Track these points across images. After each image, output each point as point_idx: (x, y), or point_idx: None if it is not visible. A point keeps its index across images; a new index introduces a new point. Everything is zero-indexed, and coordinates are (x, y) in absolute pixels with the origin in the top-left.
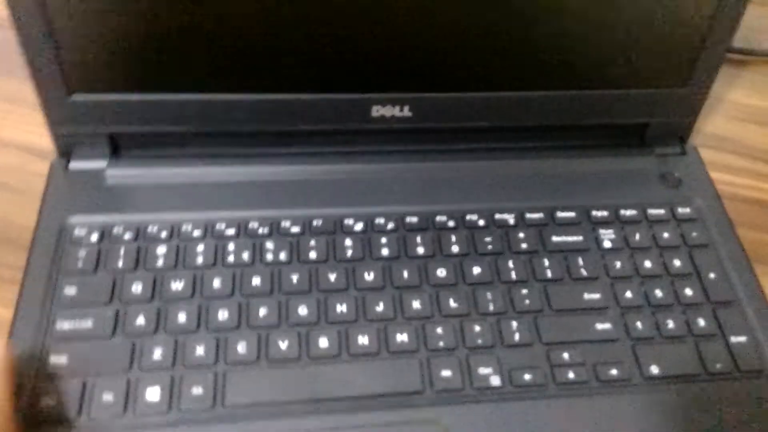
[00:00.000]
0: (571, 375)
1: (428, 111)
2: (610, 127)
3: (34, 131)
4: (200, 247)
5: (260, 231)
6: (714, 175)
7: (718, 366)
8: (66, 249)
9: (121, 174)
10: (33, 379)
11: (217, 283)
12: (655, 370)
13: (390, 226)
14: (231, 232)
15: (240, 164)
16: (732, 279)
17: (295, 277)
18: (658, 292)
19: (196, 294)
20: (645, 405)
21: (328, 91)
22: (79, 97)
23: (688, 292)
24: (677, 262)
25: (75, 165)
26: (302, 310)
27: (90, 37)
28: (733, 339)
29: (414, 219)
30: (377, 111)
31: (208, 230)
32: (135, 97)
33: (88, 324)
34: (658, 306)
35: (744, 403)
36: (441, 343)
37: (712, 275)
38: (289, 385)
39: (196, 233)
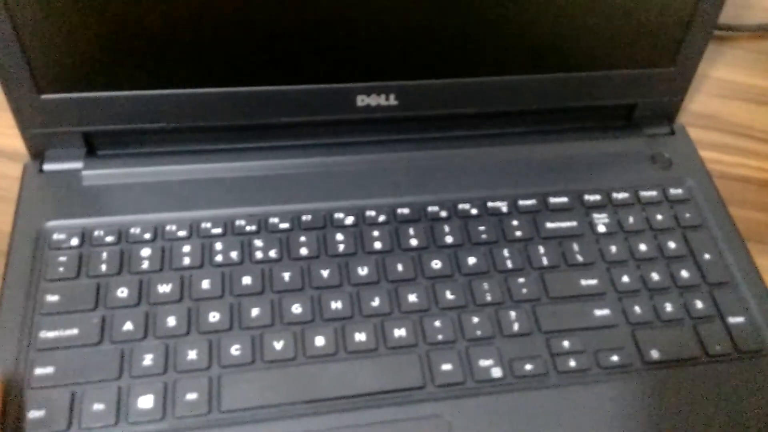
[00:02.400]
0: (572, 363)
1: (414, 98)
2: (598, 109)
3: (4, 132)
4: (186, 248)
5: (248, 228)
6: (701, 153)
7: (718, 348)
8: (45, 255)
9: (98, 174)
10: (19, 391)
11: (205, 284)
12: (655, 354)
13: (381, 218)
14: (217, 230)
15: (222, 160)
16: (727, 259)
17: (286, 275)
18: (655, 276)
19: (185, 296)
20: (647, 390)
21: (309, 82)
22: (49, 97)
23: (684, 274)
24: (672, 244)
25: (49, 166)
26: (296, 309)
27: (57, 35)
28: (731, 320)
29: (406, 210)
30: (362, 100)
31: (194, 229)
32: (107, 94)
33: (73, 332)
34: (655, 289)
35: (745, 384)
36: (440, 337)
37: (707, 256)
38: (286, 387)
39: (181, 233)
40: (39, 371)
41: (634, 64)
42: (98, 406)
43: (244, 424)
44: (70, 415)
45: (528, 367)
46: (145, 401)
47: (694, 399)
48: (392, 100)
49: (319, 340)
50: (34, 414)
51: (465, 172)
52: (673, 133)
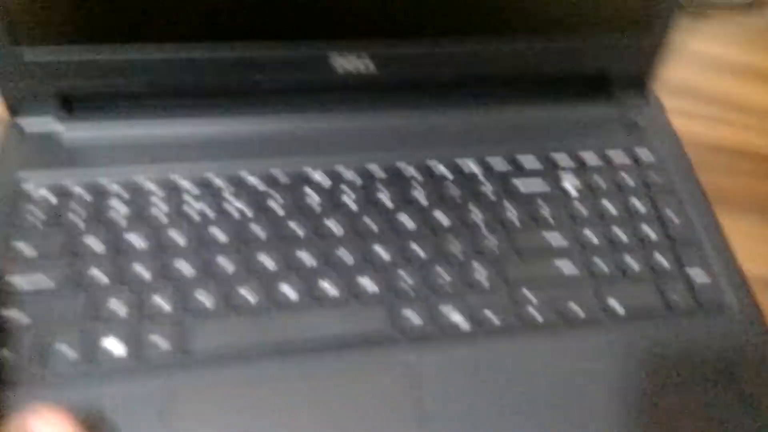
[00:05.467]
0: (537, 315)
1: (389, 61)
2: (570, 75)
3: None
4: (159, 202)
5: (221, 185)
6: (674, 121)
7: (680, 303)
8: (20, 206)
9: (74, 130)
10: None
11: (177, 237)
12: (618, 308)
13: (354, 177)
14: (190, 186)
15: (198, 120)
16: (692, 220)
17: (257, 229)
18: (621, 235)
19: (157, 248)
20: (610, 343)
21: (284, 38)
22: (27, 51)
23: (650, 233)
24: (639, 205)
25: (26, 122)
26: (266, 261)
27: None
28: (694, 277)
29: (378, 169)
30: (336, 61)
31: (167, 185)
32: (85, 49)
33: (45, 280)
34: (621, 248)
35: (705, 338)
36: (407, 289)
37: (672, 216)
38: (253, 332)
39: (155, 188)
40: (11, 314)
41: (607, 31)
42: (67, 350)
43: (209, 365)
44: (40, 356)
45: (493, 318)
46: (113, 345)
47: (655, 351)
48: (367, 62)
49: (288, 291)
50: (4, 353)
51: (437, 135)
52: (646, 100)
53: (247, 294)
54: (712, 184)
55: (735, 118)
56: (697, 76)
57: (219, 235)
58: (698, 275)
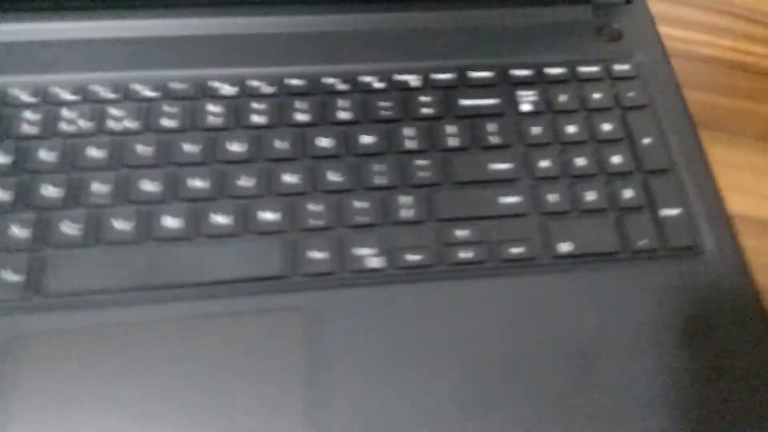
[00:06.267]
0: (466, 254)
1: None
2: None
3: None
4: (29, 114)
5: (105, 95)
6: (666, 29)
7: (642, 242)
8: None
9: None
10: None
11: (44, 154)
12: (565, 247)
13: (267, 89)
14: (66, 95)
15: (98, 19)
16: (671, 144)
17: (141, 147)
18: (580, 161)
19: (18, 166)
20: (552, 287)
21: None
22: None
23: (616, 159)
24: (607, 126)
25: None
26: (146, 185)
27: None
28: (665, 212)
29: (297, 81)
30: None
31: (38, 92)
32: None
33: None
34: (578, 176)
35: (671, 283)
36: (314, 222)
37: (647, 140)
38: (125, 271)
39: (28, 98)
40: None
41: None
42: None
43: (67, 309)
44: None
45: (413, 257)
46: None
47: (607, 299)
48: None
49: (171, 221)
50: None
51: (372, 42)
52: (628, 1)
53: (121, 224)
54: (705, 104)
55: (737, 27)
56: None
57: (95, 153)
58: (670, 212)
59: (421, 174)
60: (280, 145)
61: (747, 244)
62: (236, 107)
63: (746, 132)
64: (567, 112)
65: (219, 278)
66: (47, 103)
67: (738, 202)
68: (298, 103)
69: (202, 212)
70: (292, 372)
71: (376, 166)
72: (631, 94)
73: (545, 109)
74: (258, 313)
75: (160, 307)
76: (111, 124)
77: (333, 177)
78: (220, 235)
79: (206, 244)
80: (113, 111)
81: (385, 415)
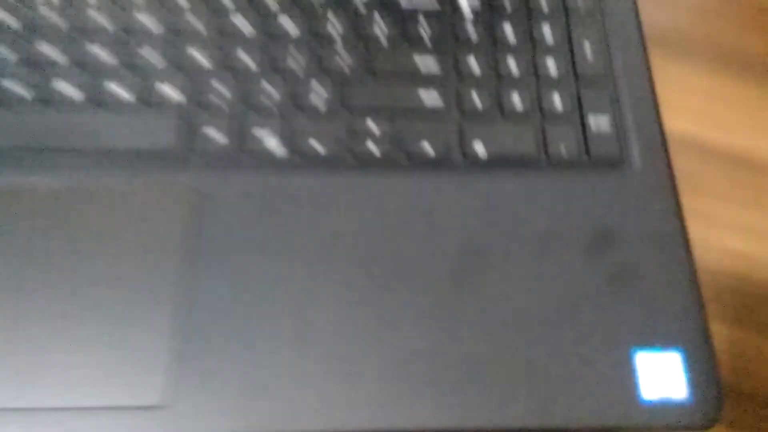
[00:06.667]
0: (373, 147)
1: None
2: None
3: None
4: None
5: None
6: None
7: (563, 150)
8: None
9: None
10: None
11: None
12: (479, 149)
13: None
14: None
15: None
16: (613, 55)
17: (42, 7)
18: (511, 63)
19: None
20: (461, 189)
21: None
22: None
23: (550, 63)
24: (549, 34)
25: None
26: (45, 48)
27: None
28: (593, 124)
29: None
30: None
31: None
32: None
33: None
34: (508, 82)
35: (587, 194)
36: (215, 99)
37: (588, 51)
38: (18, 132)
39: None
40: None
41: None
42: None
43: None
44: None
45: (317, 146)
46: None
47: (517, 205)
48: None
49: (67, 87)
50: None
51: None
52: None
53: (14, 86)
54: (664, 21)
55: None
56: None
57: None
58: (599, 123)
59: (337, 59)
60: (192, 19)
61: (685, 167)
62: None
63: (703, 55)
64: (508, 16)
65: (113, 146)
66: None
67: (681, 124)
68: None
69: (99, 80)
70: (170, 247)
71: (289, 46)
72: (580, 3)
73: (486, 9)
74: (145, 186)
75: (51, 173)
76: None
77: (243, 55)
78: (115, 104)
79: (100, 113)
80: None
81: (259, 300)
